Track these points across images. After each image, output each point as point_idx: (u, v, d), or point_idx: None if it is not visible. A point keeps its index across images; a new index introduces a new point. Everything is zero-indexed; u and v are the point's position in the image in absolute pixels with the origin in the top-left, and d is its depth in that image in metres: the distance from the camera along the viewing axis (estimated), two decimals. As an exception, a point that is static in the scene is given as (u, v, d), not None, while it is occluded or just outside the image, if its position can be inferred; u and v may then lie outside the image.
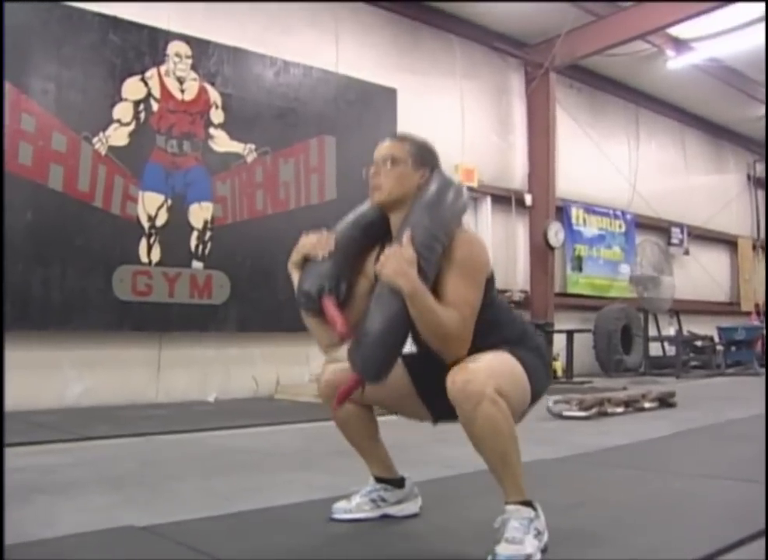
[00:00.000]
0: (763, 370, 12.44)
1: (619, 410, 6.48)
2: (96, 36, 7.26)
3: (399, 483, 2.82)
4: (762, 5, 9.94)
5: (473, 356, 2.35)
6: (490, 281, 2.52)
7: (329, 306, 2.49)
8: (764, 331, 14.62)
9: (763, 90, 14.38)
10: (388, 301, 2.35)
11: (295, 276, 2.61)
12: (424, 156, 2.64)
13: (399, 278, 2.30)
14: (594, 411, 6.19)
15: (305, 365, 8.37)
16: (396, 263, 2.32)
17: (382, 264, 2.36)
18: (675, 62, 12.50)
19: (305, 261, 2.58)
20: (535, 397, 2.51)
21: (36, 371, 6.71)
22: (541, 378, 2.52)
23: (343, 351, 2.49)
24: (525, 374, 2.43)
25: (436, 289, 2.37)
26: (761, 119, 15.75)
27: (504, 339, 2.51)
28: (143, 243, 7.37)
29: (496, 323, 2.53)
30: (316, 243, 2.57)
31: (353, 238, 2.64)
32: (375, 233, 2.65)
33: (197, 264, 7.70)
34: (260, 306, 8.03)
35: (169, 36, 7.76)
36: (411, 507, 2.83)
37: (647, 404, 6.81)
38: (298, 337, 8.33)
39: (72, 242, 6.96)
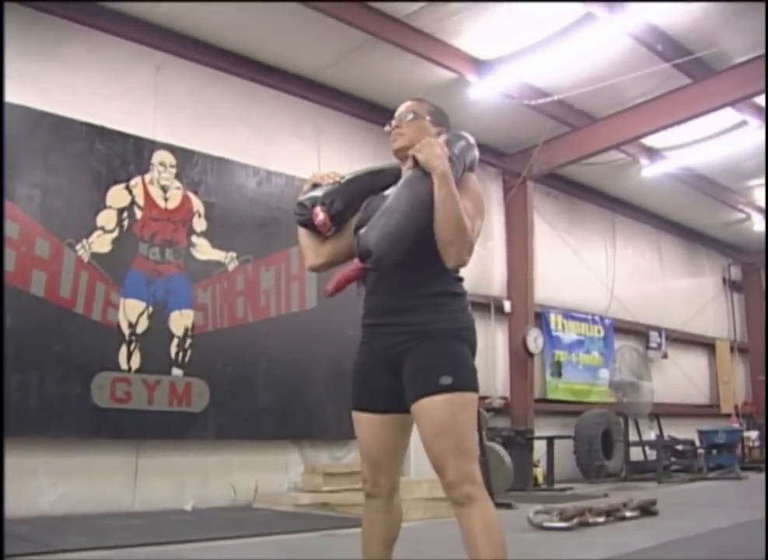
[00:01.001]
0: (745, 474, 12.39)
1: (601, 519, 6.41)
2: (83, 145, 7.40)
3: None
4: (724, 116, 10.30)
5: (447, 439, 2.46)
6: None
7: (317, 210, 2.65)
8: (743, 434, 14.66)
9: (735, 196, 14.76)
10: (416, 183, 2.50)
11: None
12: (441, 117, 2.89)
13: (434, 160, 2.47)
14: (575, 521, 6.13)
15: (284, 473, 8.29)
16: (431, 148, 2.50)
17: (417, 149, 2.53)
18: (650, 170, 12.84)
19: (314, 187, 2.79)
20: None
21: (10, 478, 6.58)
22: (476, 379, 2.62)
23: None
24: (473, 403, 2.57)
25: None
26: (734, 224, 16.13)
27: (449, 292, 2.66)
28: (123, 349, 7.36)
29: (451, 270, 2.65)
30: (326, 174, 2.82)
31: (362, 180, 2.83)
32: (384, 183, 2.78)
33: (176, 372, 7.67)
34: (239, 413, 7.98)
35: (154, 145, 7.92)
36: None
37: (628, 513, 6.75)
38: (277, 445, 8.31)
39: (52, 347, 6.94)
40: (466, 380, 2.55)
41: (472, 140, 2.80)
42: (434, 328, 2.58)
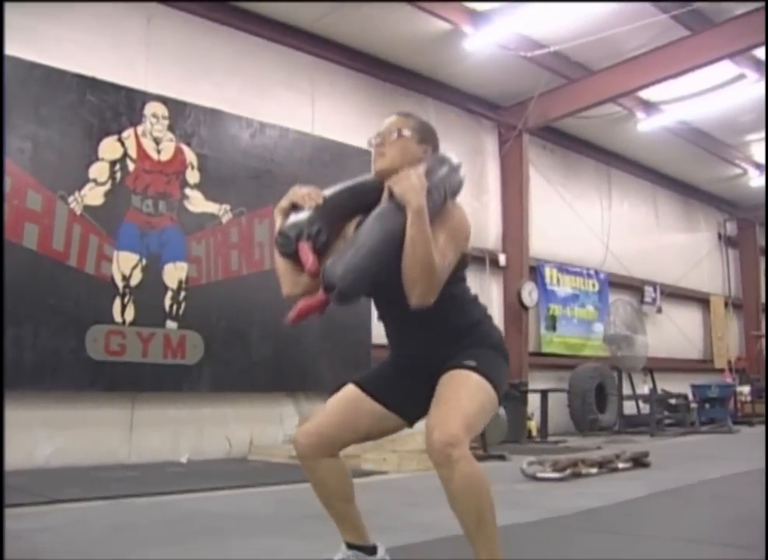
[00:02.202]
0: (737, 428, 12.49)
1: (594, 471, 6.46)
2: (74, 96, 7.31)
3: (371, 551, 2.78)
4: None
5: (449, 402, 2.42)
6: (465, 256, 2.66)
7: (304, 248, 2.52)
8: (735, 389, 14.76)
9: (732, 151, 14.70)
10: (389, 217, 2.43)
11: (279, 221, 2.66)
12: (427, 134, 2.77)
13: (410, 193, 2.38)
14: (568, 472, 6.17)
15: (278, 425, 8.33)
16: (409, 181, 2.41)
17: (394, 181, 2.45)
18: (646, 124, 12.75)
19: (293, 208, 2.63)
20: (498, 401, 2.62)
21: (6, 431, 6.62)
22: (503, 380, 2.63)
23: None
24: (492, 394, 2.53)
25: None
26: (730, 179, 16.08)
27: (472, 322, 2.68)
28: (117, 302, 7.34)
29: (466, 300, 2.71)
30: (306, 194, 2.62)
31: (342, 200, 2.70)
32: (365, 203, 2.67)
33: (171, 324, 7.67)
34: (233, 366, 8.00)
35: (146, 96, 7.83)
36: (383, 575, 2.80)
37: (621, 465, 6.81)
38: (271, 397, 8.33)
39: (45, 301, 6.92)
40: (495, 376, 2.55)
41: (456, 162, 2.68)
42: (471, 342, 2.63)
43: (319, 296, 2.41)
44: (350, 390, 2.74)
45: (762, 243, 18.15)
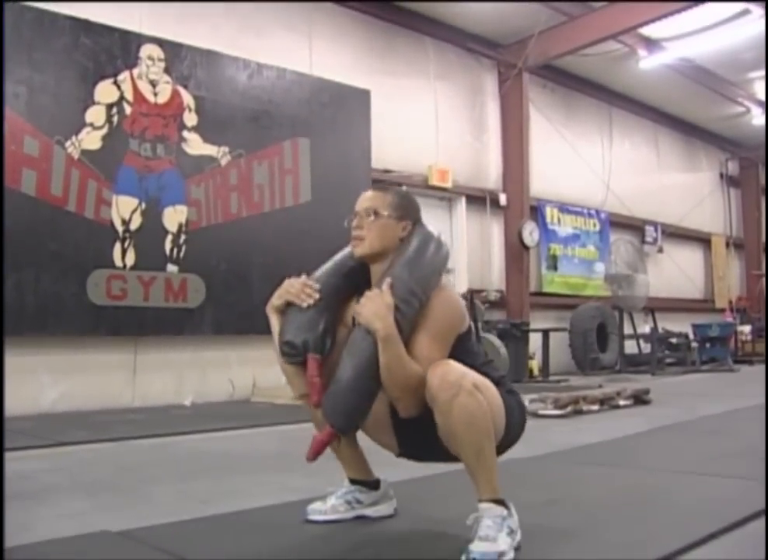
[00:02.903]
0: (737, 367, 12.57)
1: (595, 408, 6.53)
2: (68, 39, 7.22)
3: (374, 484, 2.83)
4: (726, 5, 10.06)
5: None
6: (467, 333, 2.56)
7: (312, 367, 2.48)
8: (736, 328, 14.82)
9: (734, 89, 14.54)
10: (360, 347, 2.37)
11: (275, 320, 2.60)
12: (407, 208, 2.66)
13: (377, 321, 2.32)
14: (569, 409, 6.23)
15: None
16: (374, 306, 2.34)
17: (360, 305, 2.37)
18: (647, 62, 12.60)
19: (288, 306, 2.58)
20: (512, 438, 2.54)
21: (11, 376, 6.63)
22: (517, 421, 2.54)
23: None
24: (503, 404, 2.45)
25: (406, 343, 2.38)
26: (732, 117, 15.94)
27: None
28: (117, 247, 7.33)
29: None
30: (301, 291, 2.56)
31: (336, 286, 2.64)
32: (356, 281, 2.65)
33: (171, 268, 7.68)
34: (235, 308, 8.02)
35: (141, 39, 7.73)
36: (386, 508, 2.83)
37: (622, 402, 6.87)
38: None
39: (46, 246, 6.92)
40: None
41: (435, 239, 2.59)
42: None
43: (328, 430, 2.41)
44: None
45: (764, 182, 18.05)
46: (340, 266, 2.70)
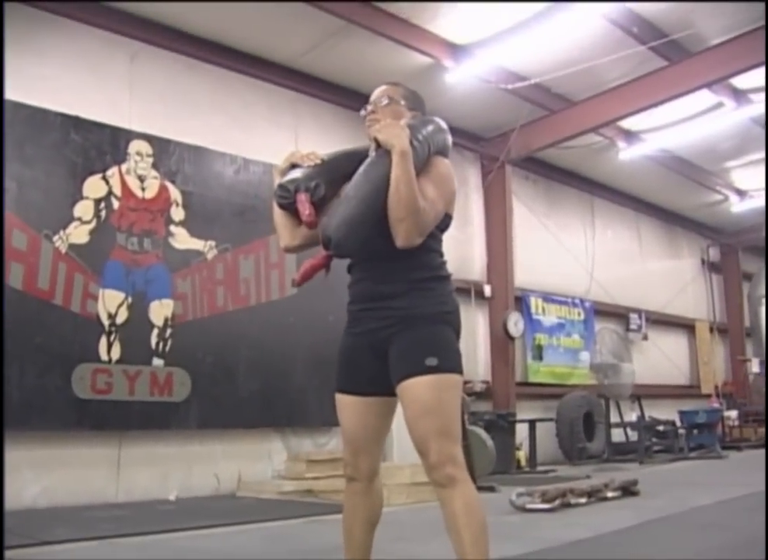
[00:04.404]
0: (725, 453, 12.51)
1: (583, 500, 6.46)
2: (58, 135, 7.35)
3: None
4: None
5: (429, 416, 2.47)
6: (448, 218, 2.73)
7: (302, 198, 2.59)
8: (723, 414, 14.79)
9: (713, 178, 14.85)
10: (377, 167, 2.50)
11: (277, 179, 2.73)
12: (417, 101, 2.88)
13: (393, 138, 2.47)
14: (557, 502, 6.16)
15: (267, 461, 8.30)
16: (393, 128, 2.51)
17: (377, 129, 2.54)
18: (627, 153, 12.87)
19: (292, 168, 2.73)
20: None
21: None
22: (460, 360, 2.63)
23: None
24: (458, 382, 2.59)
25: None
26: (712, 205, 16.24)
27: (434, 276, 2.69)
28: (103, 340, 7.33)
29: (436, 254, 2.73)
30: (305, 155, 2.74)
31: (340, 162, 2.78)
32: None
33: (157, 362, 7.66)
34: (221, 402, 7.97)
35: (130, 135, 7.87)
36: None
37: (610, 494, 6.80)
38: (259, 433, 8.31)
39: (31, 340, 6.90)
40: (451, 363, 2.56)
41: (443, 125, 2.79)
42: (421, 312, 2.60)
43: (321, 254, 2.48)
44: (338, 400, 2.79)
45: (745, 268, 18.29)
46: (352, 152, 2.85)
